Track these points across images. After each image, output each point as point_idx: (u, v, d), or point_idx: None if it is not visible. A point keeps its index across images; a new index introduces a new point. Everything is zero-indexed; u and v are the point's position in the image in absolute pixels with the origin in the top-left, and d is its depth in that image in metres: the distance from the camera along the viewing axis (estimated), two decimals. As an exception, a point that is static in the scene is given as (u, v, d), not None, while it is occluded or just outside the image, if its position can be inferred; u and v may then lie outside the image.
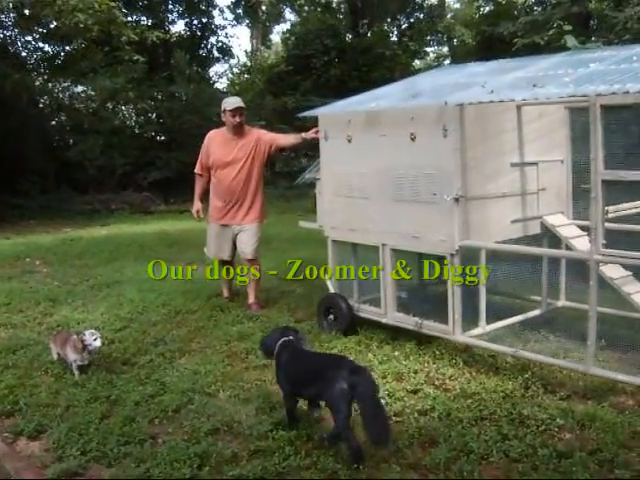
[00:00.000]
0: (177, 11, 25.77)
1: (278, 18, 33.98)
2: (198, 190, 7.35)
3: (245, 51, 34.65)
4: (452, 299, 5.25)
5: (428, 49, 33.06)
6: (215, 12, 28.13)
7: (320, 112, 6.30)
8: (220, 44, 27.18)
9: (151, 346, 5.90)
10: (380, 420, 3.76)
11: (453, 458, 3.77)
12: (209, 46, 27.07)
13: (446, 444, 3.90)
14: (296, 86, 22.46)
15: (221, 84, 28.93)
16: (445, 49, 33.26)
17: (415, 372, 5.01)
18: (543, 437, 3.98)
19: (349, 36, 26.27)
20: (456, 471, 3.65)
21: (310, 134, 6.67)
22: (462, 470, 3.65)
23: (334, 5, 29.81)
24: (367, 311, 6.02)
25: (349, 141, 5.89)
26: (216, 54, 27.39)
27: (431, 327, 5.45)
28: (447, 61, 31.52)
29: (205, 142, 7.20)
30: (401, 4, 28.74)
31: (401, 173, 5.46)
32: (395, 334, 5.83)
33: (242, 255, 7.12)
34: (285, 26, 34.10)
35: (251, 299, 7.18)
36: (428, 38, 31.94)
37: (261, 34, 33.28)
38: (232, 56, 28.45)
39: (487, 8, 26.69)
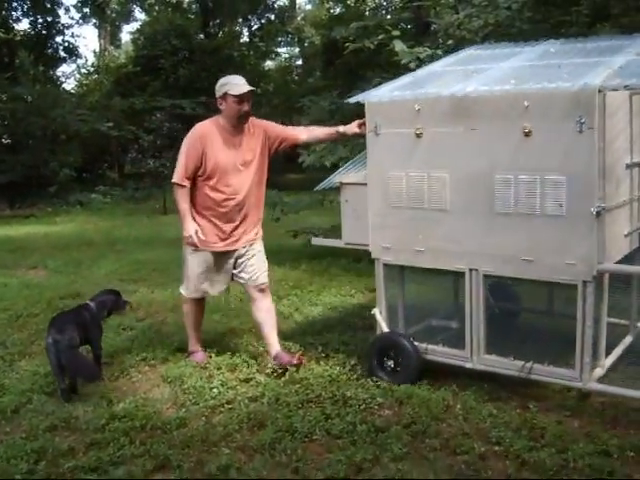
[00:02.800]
0: (22, 9, 24.91)
1: (127, 17, 33.53)
2: (185, 205, 5.13)
3: (94, 51, 33.95)
4: (581, 338, 4.19)
5: (280, 50, 33.55)
6: (61, 11, 27.48)
7: (370, 98, 4.78)
8: (66, 44, 26.40)
9: (-10, 350, 5.82)
10: (83, 364, 4.88)
11: (279, 438, 3.99)
12: (55, 46, 26.28)
13: (273, 426, 4.14)
14: (145, 87, 22.22)
15: (68, 85, 28.25)
16: (297, 50, 33.84)
17: (248, 364, 5.21)
18: (363, 415, 4.28)
19: (201, 36, 26.26)
20: (280, 450, 3.88)
21: (353, 127, 5.13)
22: (286, 448, 3.89)
23: (185, 5, 29.73)
24: (441, 353, 4.78)
25: (418, 136, 4.53)
26: (62, 54, 26.56)
27: (548, 372, 4.37)
28: (299, 61, 32.08)
29: (194, 140, 5.10)
30: (252, 5, 28.98)
31: (505, 179, 4.23)
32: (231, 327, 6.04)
33: (250, 283, 5.29)
34: (135, 25, 33.69)
35: (277, 347, 5.25)
36: (279, 39, 32.41)
37: (109, 34, 32.71)
38: (79, 56, 27.73)
39: (338, 9, 27.32)
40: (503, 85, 4.22)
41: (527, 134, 4.11)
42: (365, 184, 4.91)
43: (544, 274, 4.27)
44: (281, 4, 30.98)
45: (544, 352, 4.44)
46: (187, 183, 5.09)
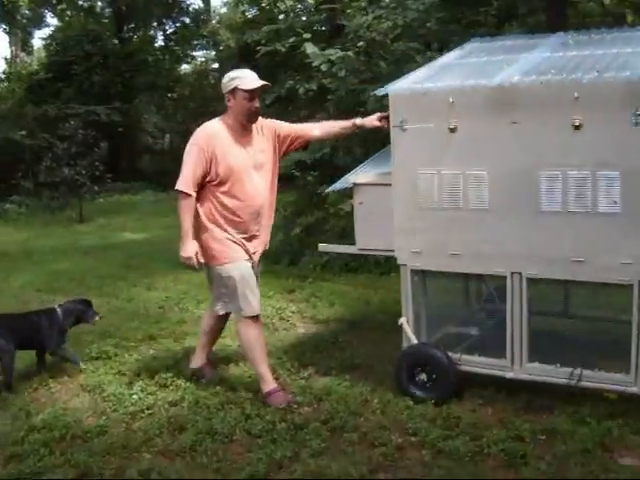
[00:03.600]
0: None
1: (39, 23, 32.73)
2: (190, 220, 4.52)
3: (5, 58, 33.05)
4: (637, 341, 3.92)
5: (195, 53, 33.27)
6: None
7: (395, 90, 4.35)
8: (-25, 50, 25.73)
9: None
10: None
11: (199, 441, 4.02)
12: (-37, 53, 25.52)
13: (193, 429, 4.16)
14: (58, 94, 21.79)
15: (-22, 93, 27.40)
16: (213, 53, 33.61)
17: (168, 368, 5.20)
18: (282, 413, 4.33)
19: (114, 41, 25.88)
20: (201, 451, 3.92)
21: (372, 120, 4.78)
22: (207, 450, 3.92)
23: (98, 10, 29.19)
24: (477, 363, 4.43)
25: (452, 131, 4.15)
26: (-29, 61, 25.89)
27: (599, 378, 4.09)
28: (215, 65, 31.89)
29: (202, 141, 4.53)
30: (166, 8, 28.67)
31: (552, 175, 3.94)
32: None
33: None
34: (47, 31, 32.94)
35: (273, 383, 4.64)
36: (195, 43, 32.14)
37: (21, 40, 31.89)
38: (-11, 63, 27.04)
39: (252, 12, 27.24)
40: (544, 76, 3.94)
41: (577, 127, 3.82)
42: (383, 184, 4.54)
43: (595, 275, 3.98)
44: (196, 7, 30.72)
45: (589, 358, 4.18)
46: (194, 192, 4.50)
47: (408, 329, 4.55)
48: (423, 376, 4.41)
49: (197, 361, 5.04)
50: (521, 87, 3.94)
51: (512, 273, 4.16)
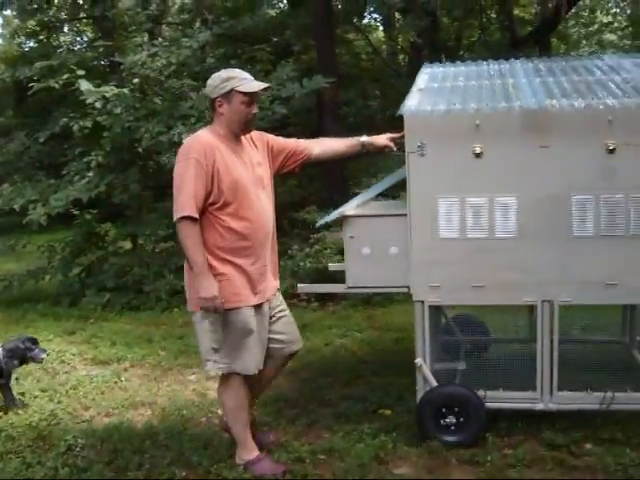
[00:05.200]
0: None
1: None
2: (202, 251, 3.71)
3: None
4: None
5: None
6: None
7: (413, 112, 4.03)
8: None
9: None
10: None
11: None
12: None
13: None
14: None
15: None
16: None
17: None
18: (64, 458, 4.24)
19: None
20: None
21: (382, 140, 4.32)
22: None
23: None
24: (504, 399, 4.20)
25: (477, 156, 3.95)
26: None
27: (633, 400, 4.09)
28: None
29: (200, 153, 3.71)
30: None
31: (584, 200, 3.89)
32: None
33: (287, 349, 4.15)
34: None
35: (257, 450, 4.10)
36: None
37: None
38: None
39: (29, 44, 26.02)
40: (573, 100, 3.94)
41: (611, 151, 3.83)
42: (376, 215, 4.30)
43: (630, 298, 4.07)
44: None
45: (614, 380, 4.16)
46: (198, 215, 3.71)
47: (427, 370, 4.21)
48: (451, 419, 4.13)
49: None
50: (554, 110, 3.87)
51: (543, 301, 4.04)
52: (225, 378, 3.94)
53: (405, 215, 4.14)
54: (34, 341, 5.29)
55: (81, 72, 8.62)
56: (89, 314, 8.23)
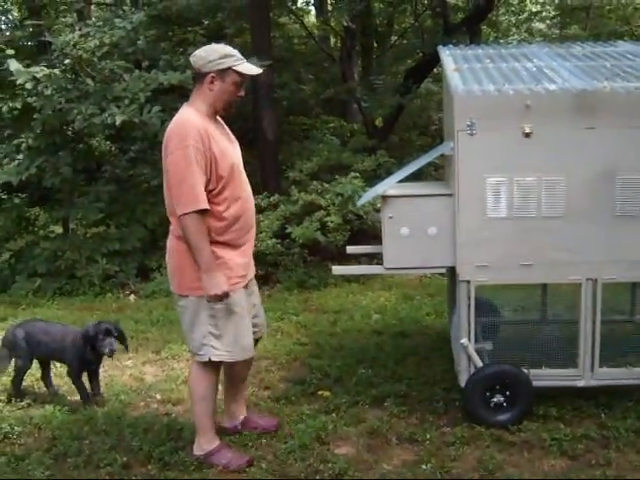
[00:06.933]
0: None
1: None
2: (209, 247, 3.63)
3: None
4: None
5: None
6: None
7: (463, 91, 4.09)
8: None
9: None
10: None
11: None
12: None
13: None
14: None
15: None
16: None
17: None
18: (1, 446, 4.21)
19: None
20: None
21: None
22: None
23: None
24: (547, 376, 4.28)
25: (527, 135, 4.00)
26: None
27: None
28: None
29: (197, 138, 3.54)
30: None
31: (628, 180, 4.01)
32: None
33: (259, 333, 4.17)
34: None
35: (243, 412, 4.33)
36: None
37: None
38: None
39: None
40: (617, 82, 4.07)
41: None
42: (416, 195, 4.29)
43: None
44: None
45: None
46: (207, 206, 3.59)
47: (473, 351, 4.23)
48: (498, 398, 4.16)
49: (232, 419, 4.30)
50: (604, 93, 3.97)
51: (587, 279, 4.12)
52: (204, 365, 3.87)
53: (445, 195, 4.24)
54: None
55: (10, 52, 8.40)
56: (20, 300, 8.11)
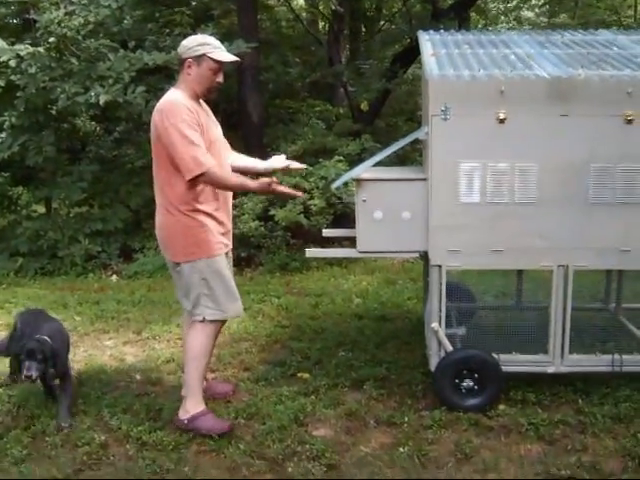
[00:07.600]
0: None
1: None
2: (238, 176, 4.14)
3: None
4: None
5: None
6: None
7: (437, 76, 4.08)
8: None
9: None
10: None
11: None
12: None
13: None
14: None
15: None
16: None
17: None
18: (-20, 425, 4.21)
19: None
20: None
21: (282, 162, 4.55)
22: None
23: None
24: (517, 362, 4.31)
25: (500, 121, 3.99)
26: None
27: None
28: None
29: (187, 113, 3.85)
30: None
31: (601, 168, 4.01)
32: None
33: None
34: None
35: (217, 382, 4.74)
36: None
37: None
38: None
39: None
40: (597, 70, 4.07)
41: (629, 122, 3.95)
42: (390, 179, 4.28)
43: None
44: None
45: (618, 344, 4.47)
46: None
47: (443, 336, 4.26)
48: (468, 383, 4.19)
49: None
50: (578, 80, 3.95)
51: (558, 266, 4.14)
52: (203, 325, 4.08)
53: (419, 180, 4.23)
54: None
55: None
56: (1, 279, 8.10)
